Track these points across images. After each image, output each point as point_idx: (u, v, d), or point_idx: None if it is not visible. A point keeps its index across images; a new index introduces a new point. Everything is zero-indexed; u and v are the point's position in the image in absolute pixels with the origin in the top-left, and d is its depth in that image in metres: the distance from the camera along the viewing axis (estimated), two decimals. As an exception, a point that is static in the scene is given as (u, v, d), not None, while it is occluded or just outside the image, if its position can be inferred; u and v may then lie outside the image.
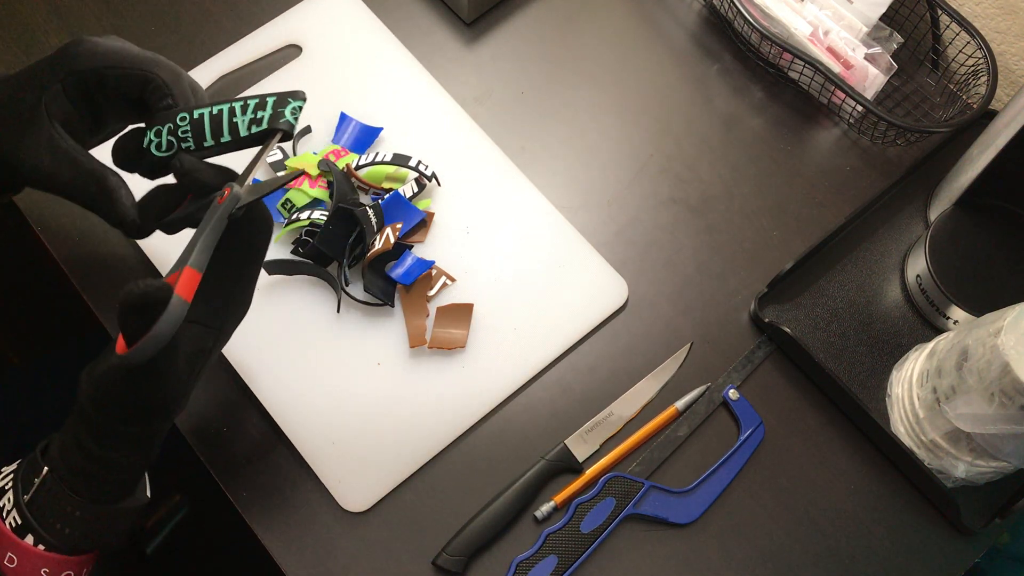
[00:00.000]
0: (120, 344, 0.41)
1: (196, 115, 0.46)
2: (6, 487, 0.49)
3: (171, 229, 0.48)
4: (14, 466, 0.50)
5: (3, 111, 0.47)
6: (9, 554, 0.47)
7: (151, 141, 0.47)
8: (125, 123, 0.52)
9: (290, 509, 0.59)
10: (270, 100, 0.47)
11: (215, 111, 0.46)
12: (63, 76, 0.47)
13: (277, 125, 0.46)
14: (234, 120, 0.46)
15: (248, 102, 0.47)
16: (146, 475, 0.53)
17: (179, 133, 0.46)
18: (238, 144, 0.47)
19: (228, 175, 0.47)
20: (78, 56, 0.47)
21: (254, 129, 0.46)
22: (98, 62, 0.47)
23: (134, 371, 0.43)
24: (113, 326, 0.64)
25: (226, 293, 0.48)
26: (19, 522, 0.47)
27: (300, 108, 0.47)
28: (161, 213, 0.47)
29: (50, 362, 0.85)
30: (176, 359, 0.45)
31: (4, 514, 0.48)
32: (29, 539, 0.47)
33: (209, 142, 0.46)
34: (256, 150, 0.48)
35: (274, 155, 0.67)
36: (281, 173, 0.47)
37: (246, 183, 0.46)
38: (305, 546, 0.59)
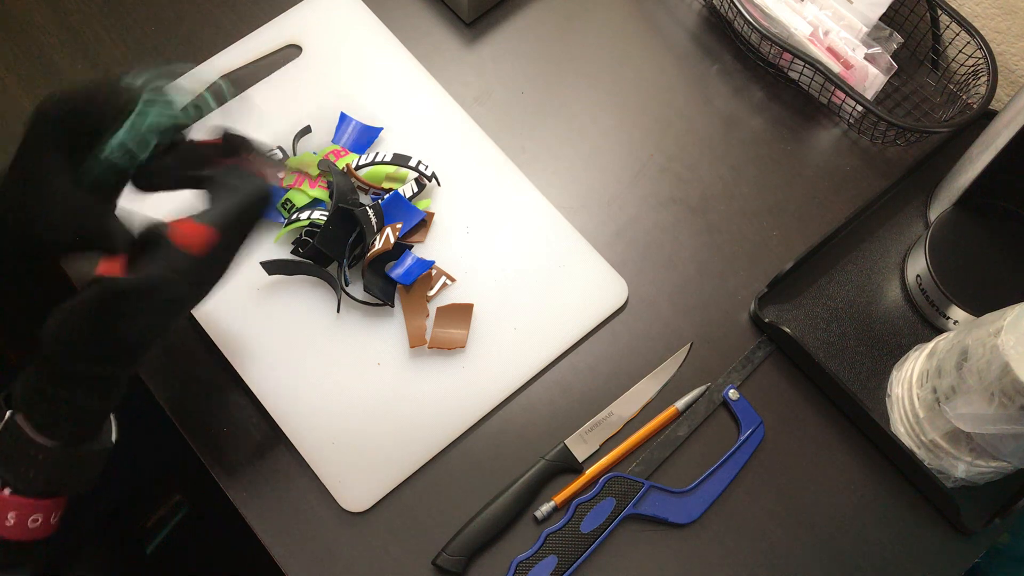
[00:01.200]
0: (107, 267, 0.43)
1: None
2: None
3: (151, 181, 0.49)
4: None
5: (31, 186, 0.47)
6: None
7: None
8: None
9: (290, 509, 0.59)
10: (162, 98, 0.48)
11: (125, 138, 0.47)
12: (51, 138, 0.46)
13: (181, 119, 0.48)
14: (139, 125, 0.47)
15: (145, 110, 0.47)
16: (112, 418, 0.52)
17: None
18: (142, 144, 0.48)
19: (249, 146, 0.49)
20: (48, 111, 0.47)
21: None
22: (71, 106, 0.47)
23: (102, 304, 0.43)
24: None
25: (211, 252, 0.47)
26: None
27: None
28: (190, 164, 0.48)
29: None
30: (157, 302, 0.45)
31: None
32: None
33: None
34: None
35: (273, 155, 0.67)
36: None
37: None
38: (305, 546, 0.59)
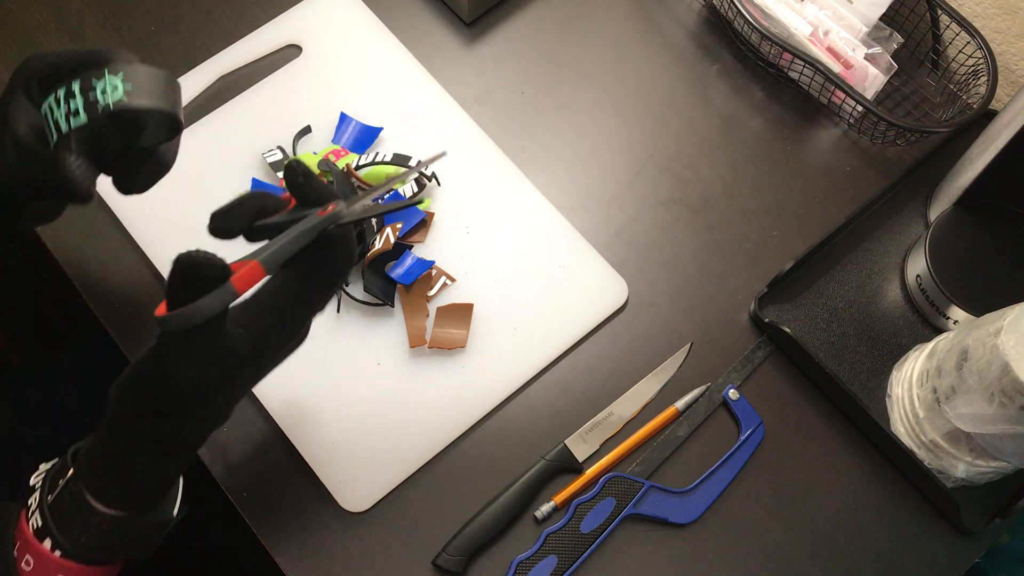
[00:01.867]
0: (161, 308, 0.40)
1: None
2: (36, 485, 0.47)
3: (256, 235, 0.44)
4: (50, 464, 0.48)
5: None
6: (27, 556, 0.46)
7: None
8: None
9: (290, 509, 0.59)
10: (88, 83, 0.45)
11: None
12: (23, 81, 0.46)
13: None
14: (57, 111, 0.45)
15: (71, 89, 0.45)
16: (178, 493, 0.50)
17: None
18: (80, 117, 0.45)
19: (334, 195, 0.44)
20: (32, 59, 0.47)
21: (73, 121, 0.45)
22: (52, 59, 0.46)
23: (165, 352, 0.41)
24: (113, 326, 0.64)
25: (280, 306, 0.44)
26: (40, 524, 0.46)
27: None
28: (256, 215, 0.44)
29: (51, 363, 0.85)
30: (205, 349, 0.42)
31: (29, 514, 0.46)
32: (47, 543, 0.45)
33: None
34: (385, 184, 0.46)
35: (273, 155, 0.67)
36: (379, 197, 0.44)
37: (352, 206, 0.43)
38: (305, 546, 0.59)
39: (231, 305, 0.41)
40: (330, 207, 0.42)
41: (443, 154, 0.50)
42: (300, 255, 0.42)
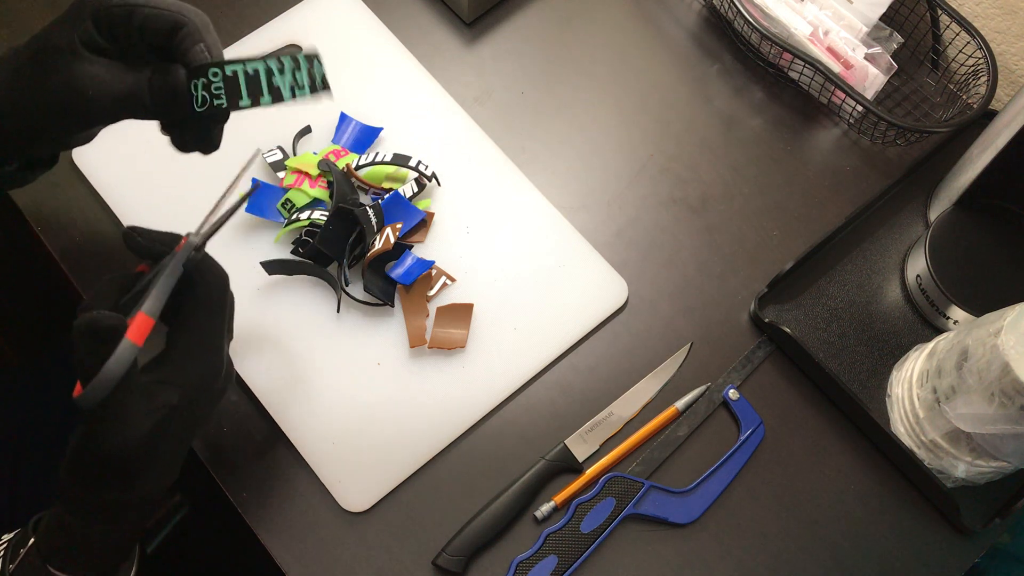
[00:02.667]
0: (77, 389, 0.41)
1: (229, 71, 0.46)
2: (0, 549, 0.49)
3: (128, 307, 0.44)
4: (12, 534, 0.50)
5: (44, 56, 0.46)
6: None
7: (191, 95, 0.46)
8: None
9: (290, 509, 0.59)
10: (303, 61, 0.47)
11: (250, 70, 0.46)
12: (93, 12, 0.46)
13: (320, 91, 0.47)
14: (274, 81, 0.46)
15: (282, 61, 0.47)
16: (135, 557, 0.51)
17: (212, 89, 0.46)
18: (276, 103, 0.47)
19: (176, 237, 0.46)
20: None
21: (298, 93, 0.47)
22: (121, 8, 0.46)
23: (90, 424, 0.42)
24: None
25: (185, 348, 0.45)
26: None
27: (324, 70, 0.48)
28: (118, 295, 0.44)
29: (50, 362, 0.85)
30: (130, 411, 0.43)
31: None
32: None
33: (246, 101, 0.46)
34: (223, 205, 0.47)
35: (273, 155, 0.67)
36: (234, 199, 0.46)
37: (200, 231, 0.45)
38: (305, 546, 0.59)
39: (148, 368, 0.44)
40: (182, 241, 0.44)
41: (256, 153, 0.52)
42: (181, 298, 0.44)
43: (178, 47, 0.47)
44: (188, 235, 0.45)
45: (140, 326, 0.41)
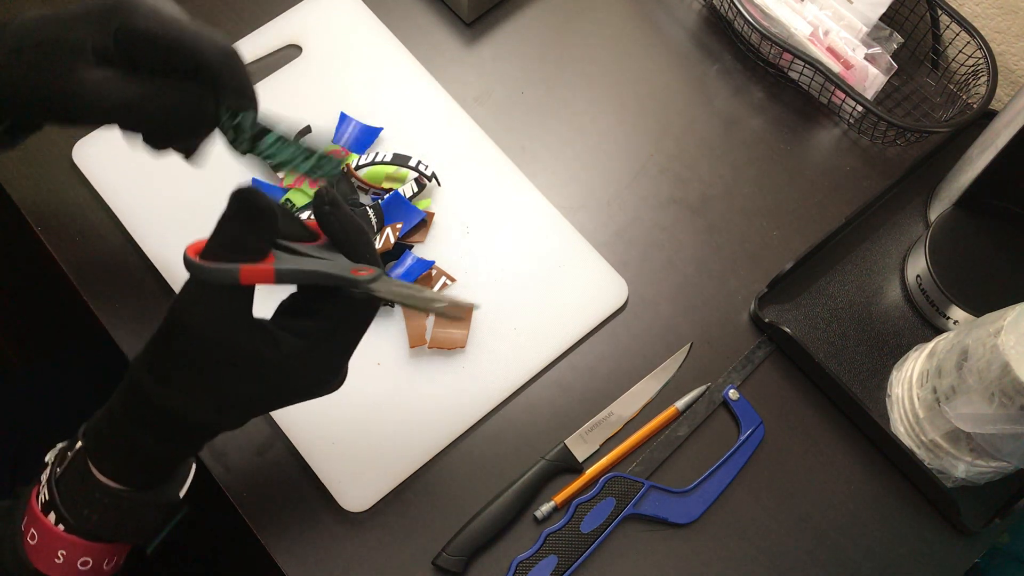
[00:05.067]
0: (197, 246, 0.40)
1: (266, 143, 0.48)
2: (49, 460, 0.47)
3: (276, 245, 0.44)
4: (66, 442, 0.48)
5: (51, 51, 0.45)
6: (32, 530, 0.45)
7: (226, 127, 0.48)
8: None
9: (290, 509, 0.59)
10: (326, 161, 0.49)
11: (284, 155, 0.49)
12: (117, 27, 0.45)
13: (330, 188, 0.47)
14: (295, 166, 0.49)
15: (309, 155, 0.49)
16: (188, 475, 0.50)
17: (240, 133, 0.48)
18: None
19: (361, 231, 0.45)
20: (137, 12, 0.45)
21: (308, 181, 0.51)
22: (155, 25, 0.45)
23: (182, 302, 0.41)
24: (113, 326, 0.63)
25: (315, 333, 0.44)
26: (47, 498, 0.45)
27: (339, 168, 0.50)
28: (287, 231, 0.43)
29: (51, 363, 0.85)
30: (228, 315, 0.41)
31: (40, 486, 0.46)
32: (51, 517, 0.45)
33: (270, 160, 0.49)
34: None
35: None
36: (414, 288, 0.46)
37: (383, 277, 0.44)
38: (305, 546, 0.59)
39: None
40: (365, 271, 0.43)
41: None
42: (333, 301, 0.43)
43: (218, 81, 0.46)
44: (376, 272, 0.43)
45: (259, 271, 0.40)
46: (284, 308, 0.46)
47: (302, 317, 0.44)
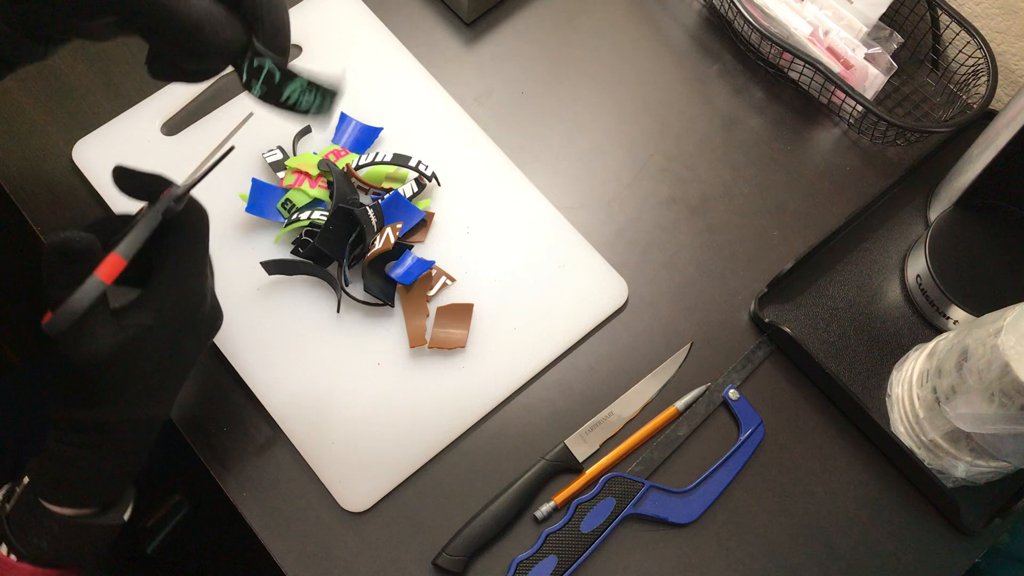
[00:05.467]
0: (47, 316, 0.43)
1: (277, 77, 0.49)
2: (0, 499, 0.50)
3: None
4: (11, 483, 0.51)
5: None
6: None
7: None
8: None
9: (290, 509, 0.59)
10: (328, 98, 0.51)
11: (303, 103, 0.51)
12: None
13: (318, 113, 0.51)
14: (302, 107, 0.51)
15: (315, 95, 0.51)
16: (130, 501, 0.52)
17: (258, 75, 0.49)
18: (273, 104, 0.51)
19: (163, 181, 0.47)
20: None
21: (302, 103, 0.52)
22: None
23: (60, 343, 0.43)
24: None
25: (162, 275, 0.47)
26: None
27: (305, 92, 0.51)
28: (107, 237, 0.46)
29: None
30: (98, 328, 0.43)
31: None
32: (3, 548, 0.47)
33: (257, 91, 0.49)
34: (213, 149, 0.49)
35: (273, 155, 0.67)
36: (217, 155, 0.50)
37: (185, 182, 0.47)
38: (305, 546, 0.59)
39: (127, 303, 0.45)
40: (165, 191, 0.46)
41: (248, 116, 0.54)
42: (163, 237, 0.46)
43: (261, 17, 0.47)
44: (172, 186, 0.46)
45: (111, 265, 0.42)
46: (122, 287, 0.48)
47: (150, 273, 0.47)
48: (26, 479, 0.48)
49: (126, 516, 0.52)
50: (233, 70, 0.48)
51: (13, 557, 0.47)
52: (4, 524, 0.47)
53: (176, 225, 0.47)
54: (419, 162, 0.67)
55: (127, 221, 0.46)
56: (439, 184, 0.68)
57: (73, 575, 0.50)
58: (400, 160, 0.66)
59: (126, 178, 0.47)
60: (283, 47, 0.49)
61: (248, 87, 0.49)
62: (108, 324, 0.44)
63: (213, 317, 0.51)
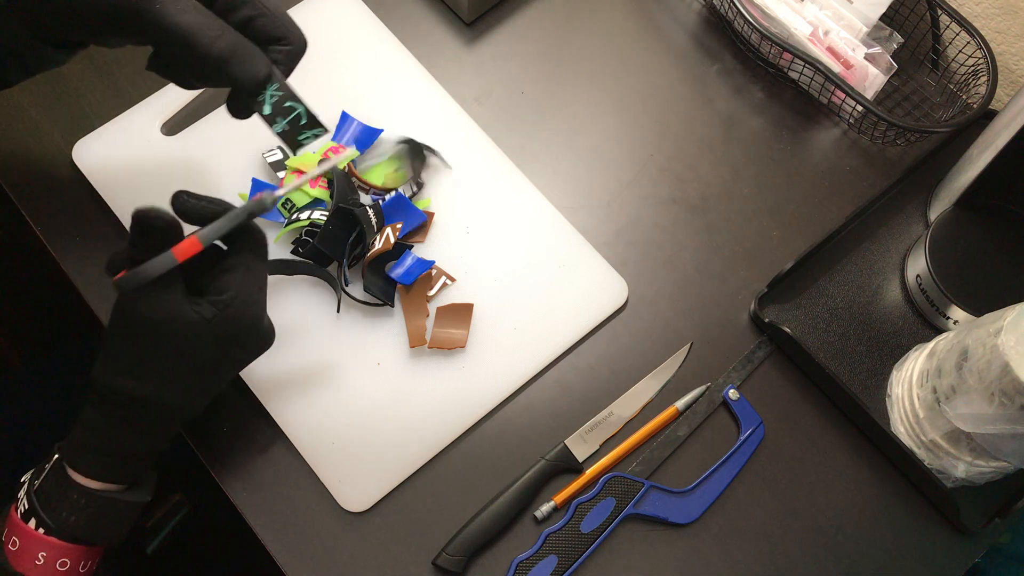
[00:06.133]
0: (121, 272, 0.45)
1: (303, 121, 0.52)
2: (25, 480, 0.50)
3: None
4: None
5: None
6: (13, 537, 0.48)
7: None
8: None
9: (290, 509, 0.59)
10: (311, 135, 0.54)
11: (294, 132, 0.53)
12: None
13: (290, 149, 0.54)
14: (290, 127, 0.53)
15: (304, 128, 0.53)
16: (153, 480, 0.54)
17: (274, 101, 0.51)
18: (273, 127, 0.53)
19: (226, 204, 0.50)
20: None
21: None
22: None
23: (119, 307, 0.46)
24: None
25: (230, 282, 0.48)
26: (26, 507, 0.49)
27: (314, 138, 0.53)
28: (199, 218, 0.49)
29: (50, 362, 0.85)
30: (159, 297, 0.45)
31: (18, 501, 0.49)
32: (32, 523, 0.48)
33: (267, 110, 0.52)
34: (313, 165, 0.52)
35: (273, 155, 0.67)
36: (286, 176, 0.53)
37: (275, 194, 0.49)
38: (305, 546, 0.59)
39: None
40: (256, 196, 0.48)
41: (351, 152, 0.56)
42: (231, 247, 0.49)
43: (268, 46, 0.50)
44: (263, 193, 0.48)
45: (188, 245, 0.45)
46: (198, 282, 0.49)
47: (218, 276, 0.49)
48: (55, 455, 0.49)
49: (149, 496, 0.53)
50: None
51: (41, 531, 0.48)
52: (33, 499, 0.48)
53: (248, 239, 0.49)
54: (427, 147, 0.68)
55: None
56: (449, 166, 0.69)
57: (97, 553, 0.51)
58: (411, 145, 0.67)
59: (186, 201, 0.49)
60: (294, 64, 0.52)
61: (270, 122, 0.52)
62: (175, 299, 0.46)
63: (267, 335, 0.53)
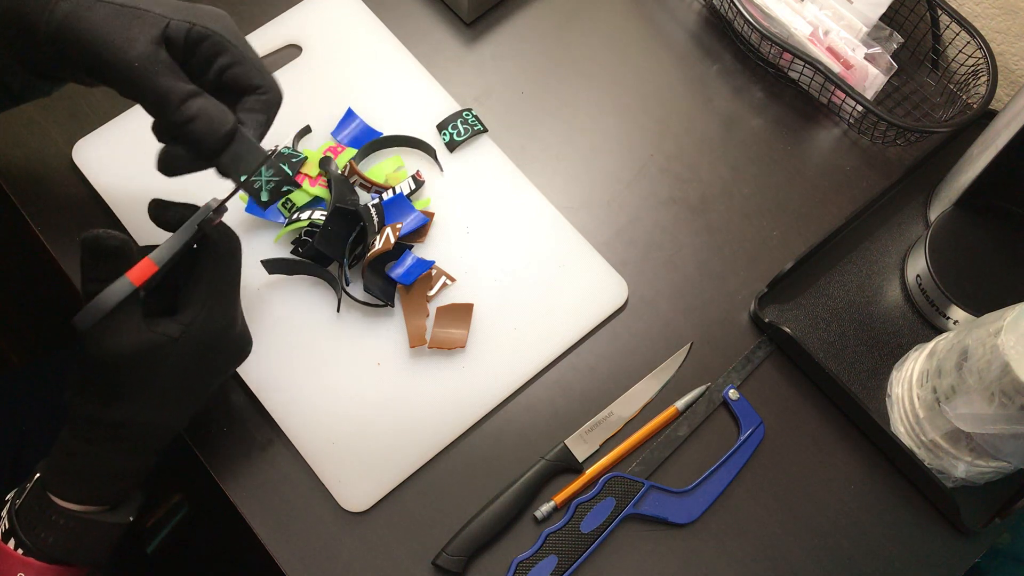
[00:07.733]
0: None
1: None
2: (7, 499, 0.50)
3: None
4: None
5: (132, 9, 0.46)
6: None
7: None
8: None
9: (290, 509, 0.59)
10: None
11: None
12: (190, 24, 0.48)
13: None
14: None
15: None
16: (138, 501, 0.54)
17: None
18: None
19: (195, 207, 0.49)
20: (226, 26, 0.49)
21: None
22: (242, 43, 0.49)
23: (87, 336, 0.45)
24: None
25: (194, 294, 0.48)
26: (7, 526, 0.49)
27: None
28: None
29: (50, 363, 0.85)
30: (124, 327, 0.45)
31: (0, 520, 0.49)
32: (11, 543, 0.48)
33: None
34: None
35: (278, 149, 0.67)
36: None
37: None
38: (305, 546, 0.59)
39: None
40: (205, 204, 0.48)
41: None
42: (196, 258, 0.48)
43: (241, 100, 0.50)
44: (209, 202, 0.48)
45: (142, 269, 0.44)
46: (154, 305, 0.49)
47: (182, 289, 0.49)
48: (37, 475, 0.49)
49: (132, 517, 0.52)
50: None
51: (20, 551, 0.48)
52: (13, 518, 0.48)
53: (210, 249, 0.48)
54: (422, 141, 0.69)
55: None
56: (450, 151, 0.69)
57: (80, 574, 0.50)
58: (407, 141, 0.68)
59: (161, 209, 0.49)
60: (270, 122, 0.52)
61: (256, 197, 0.54)
62: (136, 327, 0.45)
63: (241, 343, 0.53)
